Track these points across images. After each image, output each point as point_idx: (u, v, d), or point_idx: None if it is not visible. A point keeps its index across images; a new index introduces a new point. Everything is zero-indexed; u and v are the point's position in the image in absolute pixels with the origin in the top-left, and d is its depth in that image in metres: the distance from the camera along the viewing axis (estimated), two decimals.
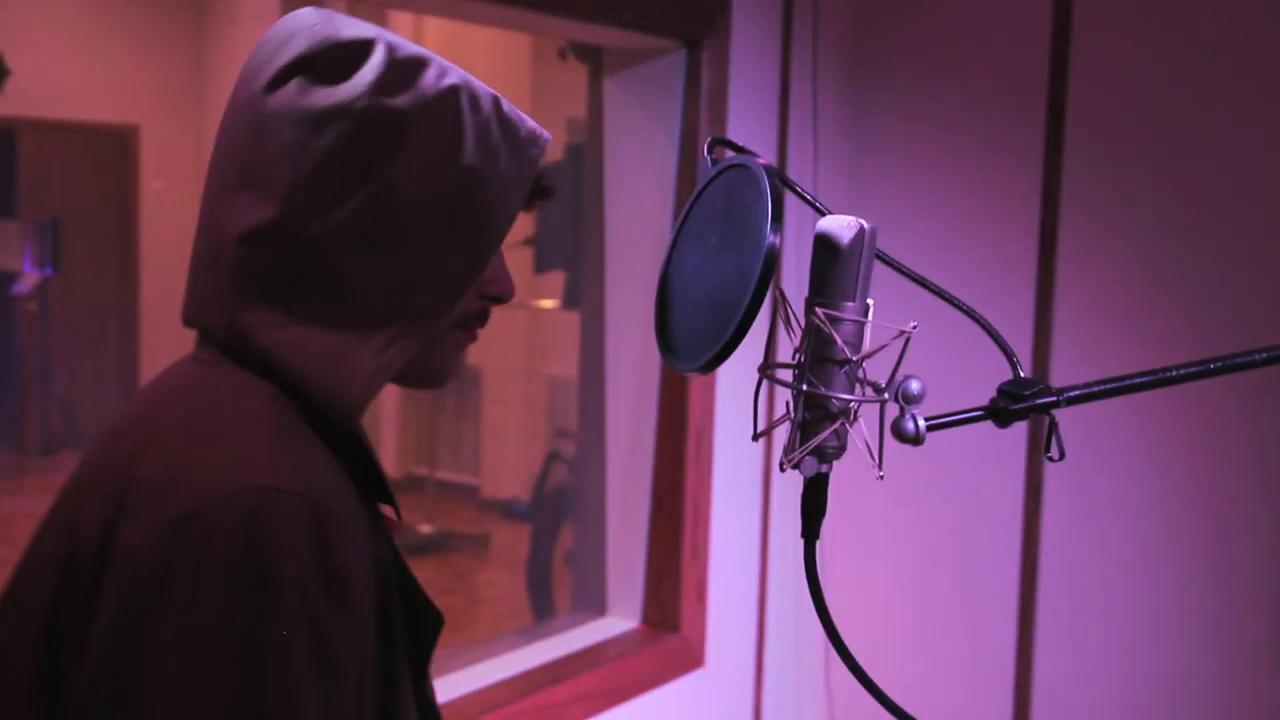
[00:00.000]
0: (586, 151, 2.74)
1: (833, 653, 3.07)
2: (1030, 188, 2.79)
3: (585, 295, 2.73)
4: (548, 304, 4.59)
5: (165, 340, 8.77)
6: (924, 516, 2.94)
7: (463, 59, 4.39)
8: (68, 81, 8.11)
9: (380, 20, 5.48)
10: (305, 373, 0.94)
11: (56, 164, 8.23)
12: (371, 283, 0.94)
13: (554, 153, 4.03)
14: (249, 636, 0.81)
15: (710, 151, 1.04)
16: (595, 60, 2.66)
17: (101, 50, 8.33)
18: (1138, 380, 1.10)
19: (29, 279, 7.65)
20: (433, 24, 5.65)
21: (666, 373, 2.59)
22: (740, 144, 1.09)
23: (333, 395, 0.95)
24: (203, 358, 0.99)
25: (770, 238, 0.91)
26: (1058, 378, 2.78)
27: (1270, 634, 2.65)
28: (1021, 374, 1.08)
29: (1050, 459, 1.07)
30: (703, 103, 2.51)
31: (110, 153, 8.50)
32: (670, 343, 1.00)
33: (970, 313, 1.08)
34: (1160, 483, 2.72)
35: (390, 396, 6.22)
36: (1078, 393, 1.08)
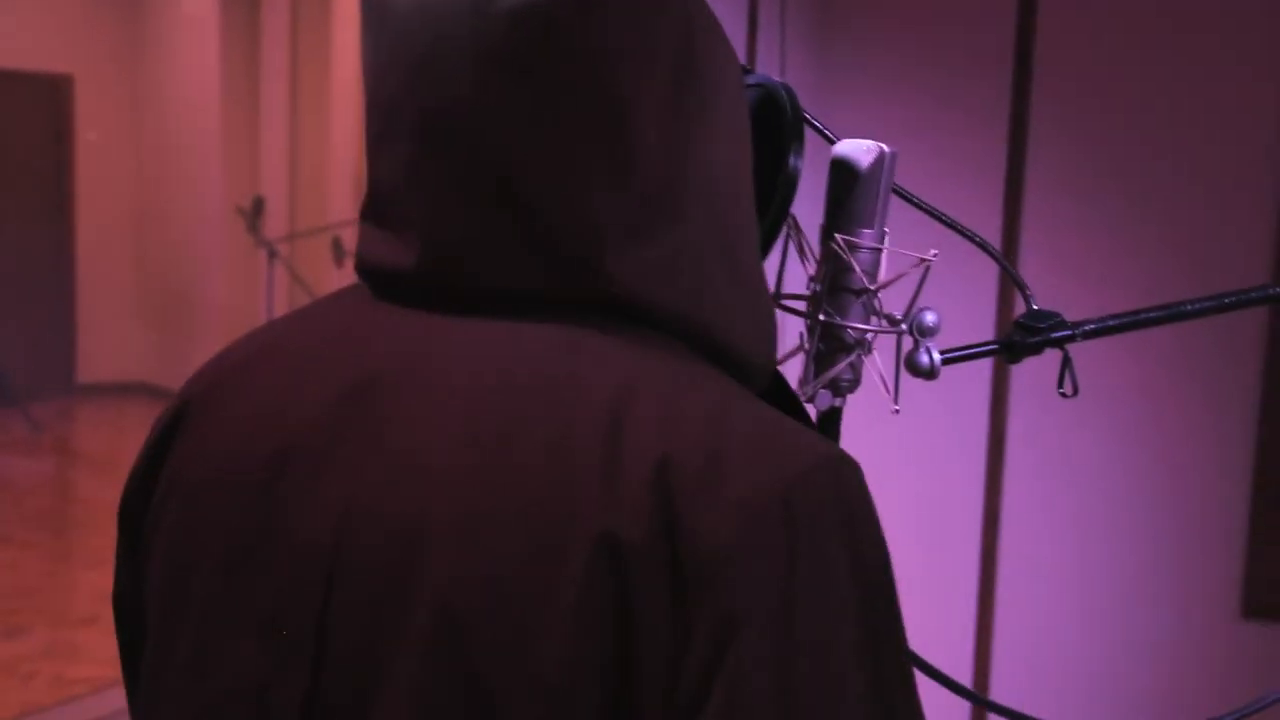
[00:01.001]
0: None
1: None
2: (998, 126, 2.77)
3: None
4: None
5: (100, 293, 8.61)
6: (886, 468, 2.93)
7: None
8: (1, 29, 7.90)
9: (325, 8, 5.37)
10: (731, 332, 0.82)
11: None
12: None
13: None
14: (877, 625, 0.73)
15: None
16: None
17: None
18: (1152, 314, 1.08)
19: None
20: None
21: None
22: (748, 68, 1.04)
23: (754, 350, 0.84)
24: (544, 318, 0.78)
25: (793, 160, 0.87)
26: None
27: (1227, 587, 2.67)
28: (1034, 306, 1.06)
29: (1064, 394, 1.04)
30: None
31: (44, 102, 8.30)
32: None
33: (983, 245, 1.05)
34: (1117, 438, 2.72)
35: None
36: (1093, 326, 1.05)
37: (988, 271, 2.75)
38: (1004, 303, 2.75)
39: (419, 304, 0.81)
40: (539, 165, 0.75)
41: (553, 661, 0.69)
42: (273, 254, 5.63)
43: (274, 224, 6.66)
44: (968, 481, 2.85)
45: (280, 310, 6.39)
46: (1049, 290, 2.71)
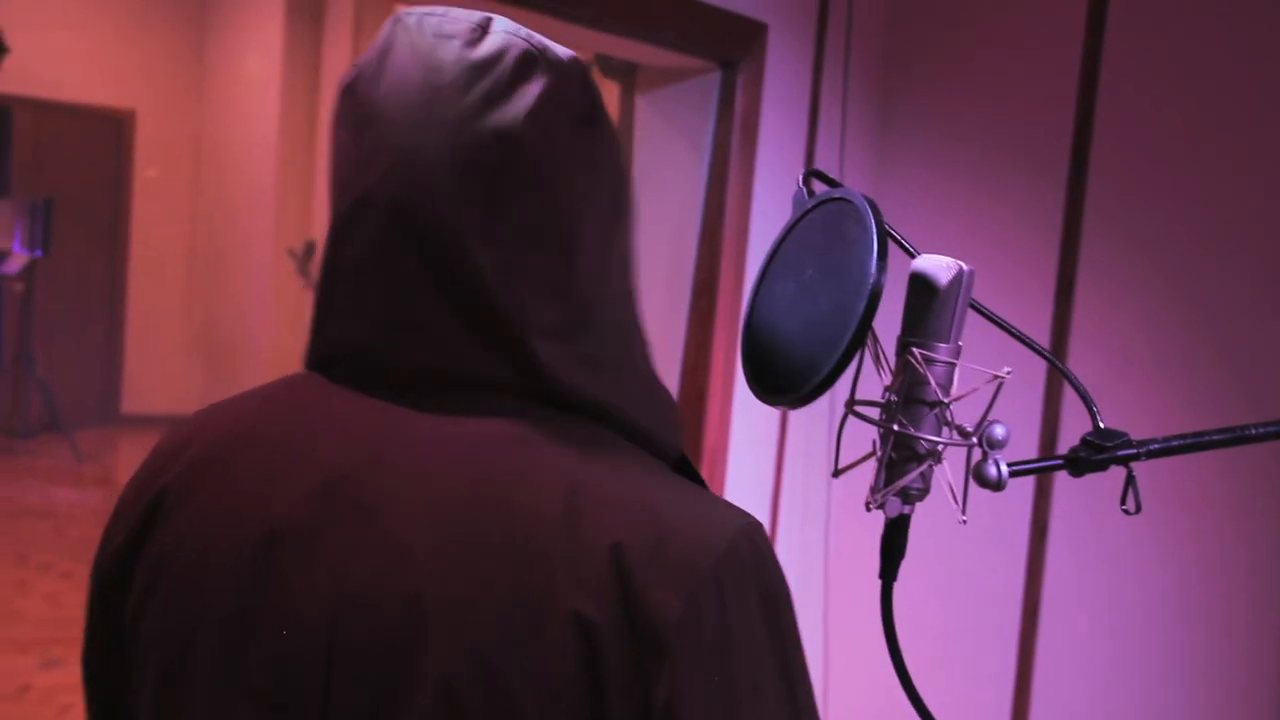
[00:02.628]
0: None
1: (833, 684, 3.06)
2: (1051, 227, 2.79)
3: None
4: None
5: (150, 327, 8.72)
6: (928, 553, 2.93)
7: None
8: (67, 63, 8.07)
9: (389, 11, 5.47)
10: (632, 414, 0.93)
11: (51, 145, 8.17)
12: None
13: None
14: (786, 652, 0.86)
15: (805, 183, 1.03)
16: (627, 77, 2.65)
17: (102, 34, 8.29)
18: (1215, 437, 1.10)
19: (17, 259, 7.58)
20: None
21: (684, 393, 2.57)
22: (830, 176, 1.07)
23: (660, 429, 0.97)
24: (482, 404, 0.87)
25: (875, 274, 0.89)
26: (1068, 425, 2.78)
27: (1268, 685, 2.65)
28: (1101, 425, 1.07)
29: (1126, 511, 1.06)
30: (735, 124, 2.50)
31: (106, 137, 8.45)
32: (758, 375, 0.99)
33: (1054, 363, 1.07)
34: (1160, 542, 2.72)
35: None
36: (1158, 446, 1.07)
37: (1035, 380, 2.76)
38: (1050, 411, 2.76)
39: (375, 391, 0.89)
40: (494, 268, 0.86)
41: None
42: None
43: None
44: (1009, 572, 2.84)
45: None
46: (1096, 389, 2.72)
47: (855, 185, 2.90)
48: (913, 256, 0.99)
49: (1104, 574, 2.77)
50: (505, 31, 0.89)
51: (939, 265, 0.96)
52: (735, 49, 2.46)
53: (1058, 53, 2.78)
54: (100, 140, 8.47)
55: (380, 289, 0.87)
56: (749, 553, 0.85)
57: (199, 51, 8.61)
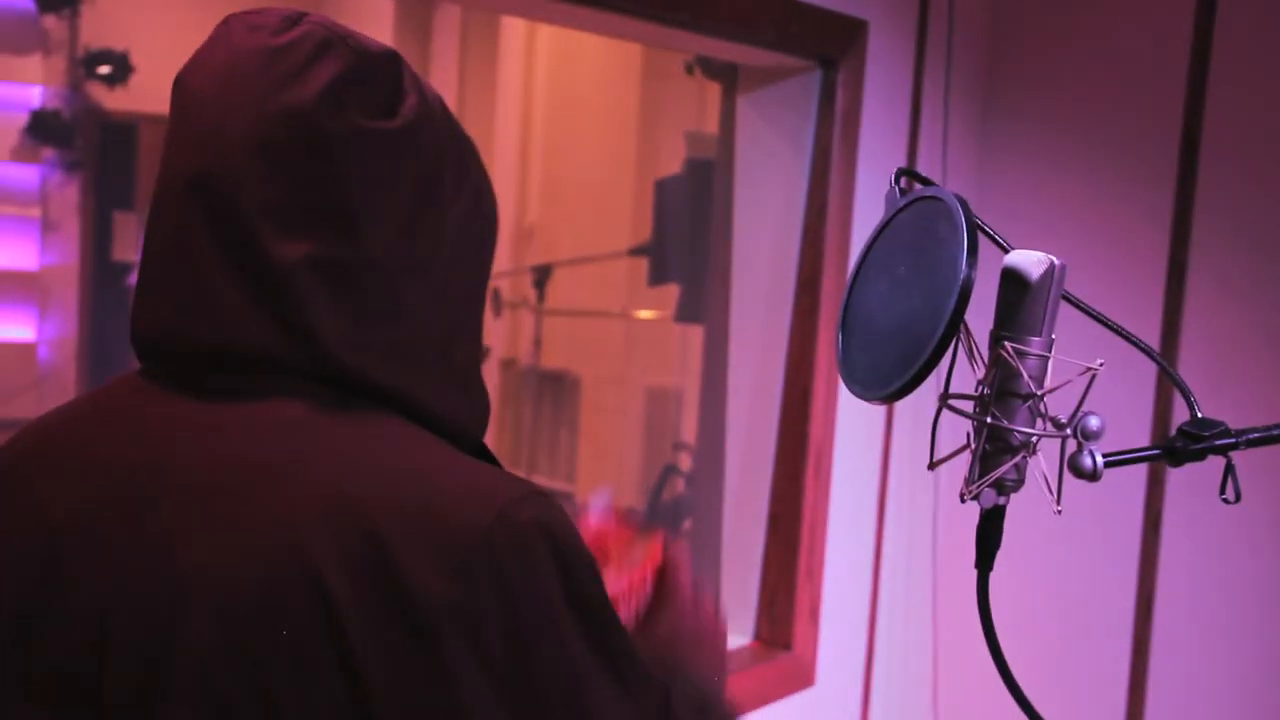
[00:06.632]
0: (716, 168, 2.76)
1: (941, 676, 3.06)
2: (1160, 219, 2.76)
3: (709, 309, 2.74)
4: (646, 315, 4.62)
5: None
6: (1039, 547, 2.91)
7: (572, 67, 4.38)
8: (150, 73, 8.30)
9: (493, 26, 5.56)
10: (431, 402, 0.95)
11: None
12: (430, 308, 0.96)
13: (671, 167, 4.05)
14: (601, 629, 0.88)
15: (897, 182, 1.05)
16: (729, 77, 2.68)
17: None
18: None
19: None
20: (545, 31, 5.72)
21: (788, 391, 2.59)
22: (923, 175, 1.10)
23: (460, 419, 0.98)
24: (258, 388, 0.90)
25: (966, 271, 0.91)
26: (1178, 414, 2.74)
27: None
28: (1199, 414, 1.08)
29: (1226, 500, 1.06)
30: (836, 123, 2.51)
31: None
32: (854, 370, 1.01)
33: (1150, 353, 1.08)
34: (1272, 535, 2.67)
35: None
36: (1258, 435, 1.07)
37: (1147, 372, 2.73)
38: (1161, 403, 2.73)
39: (175, 378, 0.92)
40: (283, 247, 0.88)
41: (294, 708, 0.81)
42: None
43: None
44: (1123, 565, 2.81)
45: None
46: (1207, 390, 2.68)
47: (958, 179, 2.89)
48: (1006, 252, 1.01)
49: (1218, 566, 2.73)
50: (313, 23, 0.92)
51: (1030, 260, 0.98)
52: (835, 47, 2.48)
53: (1166, 40, 2.75)
54: None
55: (178, 270, 0.90)
56: (531, 519, 0.85)
57: None
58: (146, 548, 0.87)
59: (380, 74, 0.93)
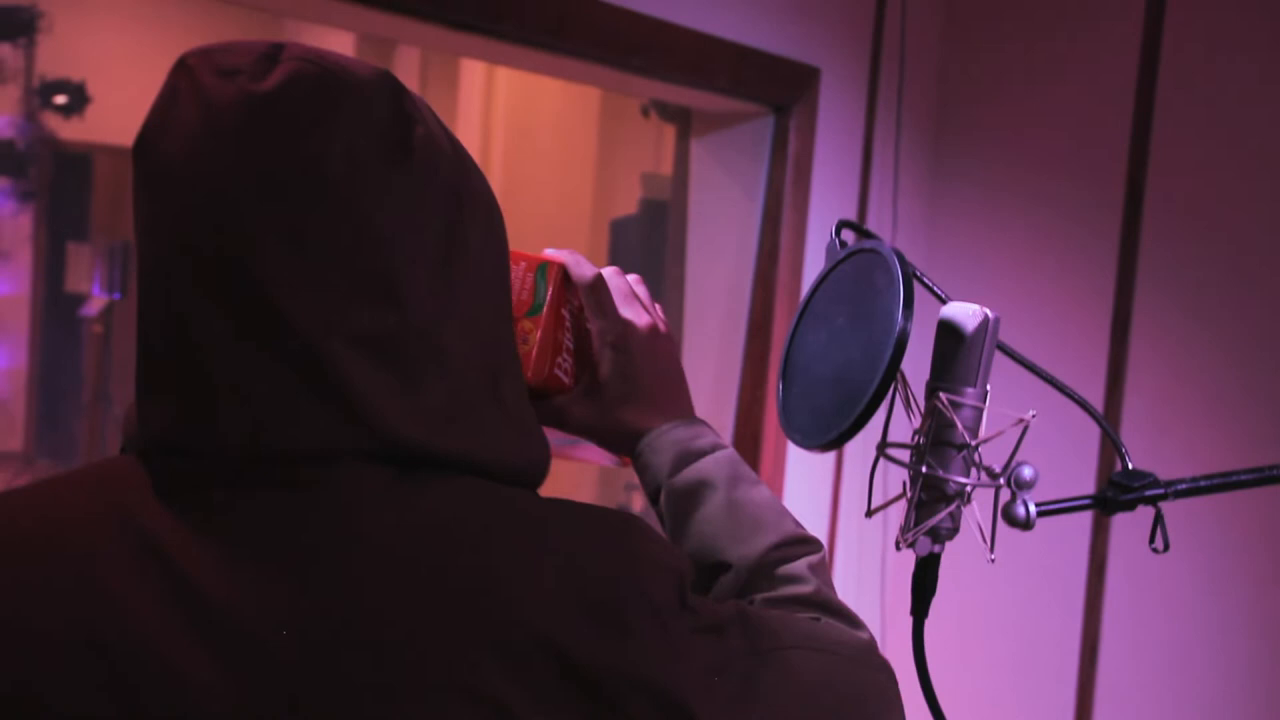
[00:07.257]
0: (669, 209, 2.78)
1: None
2: (1105, 273, 2.80)
3: None
4: None
5: None
6: (985, 589, 2.94)
7: (532, 109, 4.39)
8: (145, 112, 8.28)
9: (453, 67, 5.58)
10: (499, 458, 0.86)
11: (129, 191, 8.37)
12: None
13: (627, 207, 4.08)
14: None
15: (838, 234, 1.07)
16: (683, 120, 2.71)
17: None
18: (1243, 477, 1.12)
19: (96, 302, 7.78)
20: (504, 72, 5.75)
21: (739, 434, 2.61)
22: (867, 226, 1.12)
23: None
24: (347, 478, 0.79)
25: (902, 323, 0.93)
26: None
27: None
28: (1129, 465, 1.10)
29: (1155, 550, 1.08)
30: (788, 168, 2.55)
31: None
32: (793, 419, 1.03)
33: (1082, 403, 1.11)
34: (1216, 581, 2.71)
35: None
36: (1185, 486, 1.10)
37: (1090, 422, 2.75)
38: (1105, 451, 2.77)
39: (204, 481, 0.79)
40: (315, 323, 0.77)
41: None
42: None
43: None
44: (1067, 611, 2.84)
45: None
46: (1152, 441, 2.72)
47: (908, 227, 2.93)
48: (944, 303, 1.03)
49: (1162, 612, 2.76)
50: (296, 59, 0.79)
51: (966, 312, 1.00)
52: (787, 94, 2.51)
53: (1112, 98, 2.80)
54: None
55: (189, 362, 0.78)
56: (652, 557, 0.84)
57: None
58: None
59: (384, 107, 0.80)
